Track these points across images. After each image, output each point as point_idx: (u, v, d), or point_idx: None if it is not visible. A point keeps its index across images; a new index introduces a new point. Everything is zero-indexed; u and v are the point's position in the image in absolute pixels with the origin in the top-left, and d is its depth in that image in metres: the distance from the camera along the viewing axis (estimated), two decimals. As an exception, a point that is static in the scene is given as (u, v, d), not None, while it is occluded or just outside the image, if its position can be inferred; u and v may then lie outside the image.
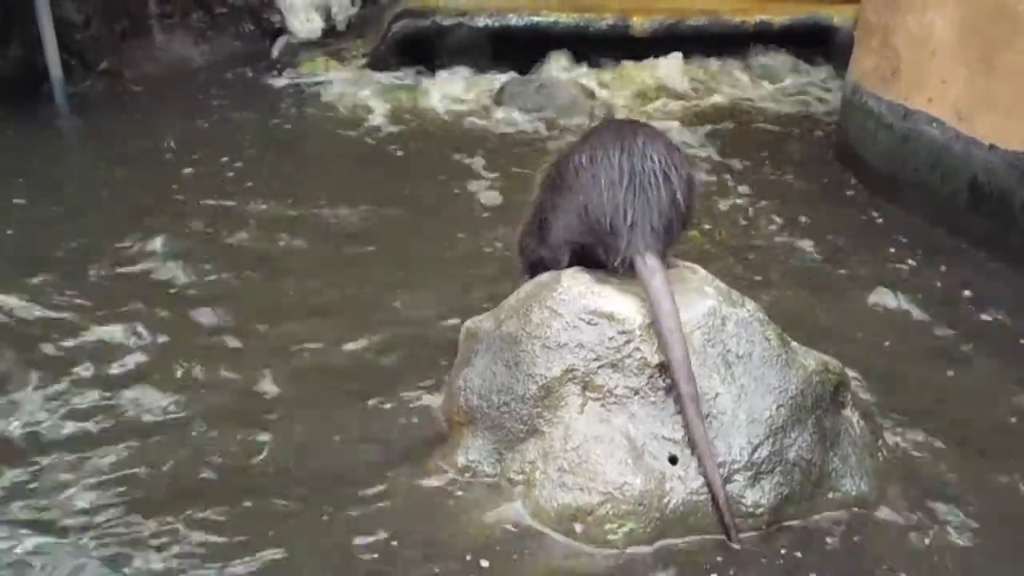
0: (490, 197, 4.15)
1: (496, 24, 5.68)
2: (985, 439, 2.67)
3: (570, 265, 2.52)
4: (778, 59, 5.90)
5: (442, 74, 5.62)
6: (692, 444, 2.25)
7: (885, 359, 3.03)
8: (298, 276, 3.47)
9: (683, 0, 6.03)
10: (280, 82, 5.59)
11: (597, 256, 2.45)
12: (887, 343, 3.11)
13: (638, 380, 2.32)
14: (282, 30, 6.07)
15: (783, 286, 3.45)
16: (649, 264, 2.34)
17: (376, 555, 2.22)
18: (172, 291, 3.33)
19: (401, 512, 2.34)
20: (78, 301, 3.24)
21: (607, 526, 2.23)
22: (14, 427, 2.62)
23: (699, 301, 2.39)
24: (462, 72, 5.63)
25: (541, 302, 2.42)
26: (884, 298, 3.40)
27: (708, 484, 2.23)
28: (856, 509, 2.36)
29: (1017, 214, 3.54)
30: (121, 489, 2.41)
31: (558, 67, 5.69)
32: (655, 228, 2.35)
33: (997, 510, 2.41)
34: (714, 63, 5.86)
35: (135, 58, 5.68)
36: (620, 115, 5.17)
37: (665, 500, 2.24)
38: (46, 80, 5.07)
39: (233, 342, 3.06)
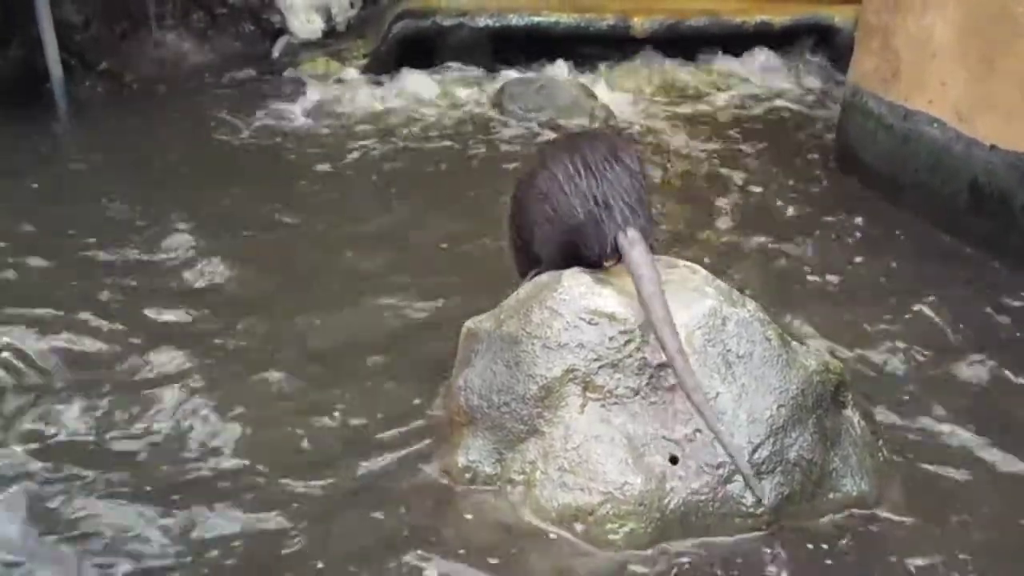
0: (490, 197, 4.15)
1: (497, 24, 5.68)
2: (986, 439, 2.67)
3: (568, 265, 2.52)
4: (778, 60, 5.91)
5: (442, 74, 5.62)
6: (688, 398, 2.21)
7: (885, 359, 3.03)
8: (297, 276, 3.48)
9: (684, 0, 6.03)
10: (280, 83, 5.58)
11: (583, 253, 2.45)
12: (887, 343, 3.11)
13: (639, 380, 2.32)
14: (282, 30, 6.06)
15: (782, 286, 3.45)
16: (630, 235, 2.36)
17: (376, 556, 2.22)
18: (168, 295, 3.32)
19: (401, 513, 2.34)
20: (71, 303, 3.23)
21: (608, 526, 2.23)
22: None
23: (699, 301, 2.39)
24: (463, 72, 5.63)
25: (541, 302, 2.41)
26: (883, 298, 3.40)
27: (719, 442, 2.19)
28: (857, 509, 2.36)
29: (1018, 215, 3.54)
30: (122, 488, 2.41)
31: (559, 68, 5.71)
32: (628, 203, 2.39)
33: (998, 510, 2.41)
34: (714, 64, 5.87)
35: (135, 59, 5.68)
36: (620, 116, 5.17)
37: (666, 500, 2.24)
38: (46, 81, 5.07)
39: (231, 340, 3.05)
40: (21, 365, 2.86)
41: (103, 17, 5.58)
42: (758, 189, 4.30)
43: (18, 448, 2.53)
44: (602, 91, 5.47)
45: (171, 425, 2.65)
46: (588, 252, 2.45)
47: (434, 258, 3.62)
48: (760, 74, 5.80)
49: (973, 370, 2.98)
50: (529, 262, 2.68)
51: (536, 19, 5.70)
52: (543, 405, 2.35)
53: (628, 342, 2.32)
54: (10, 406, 2.69)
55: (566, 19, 5.74)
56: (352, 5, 6.24)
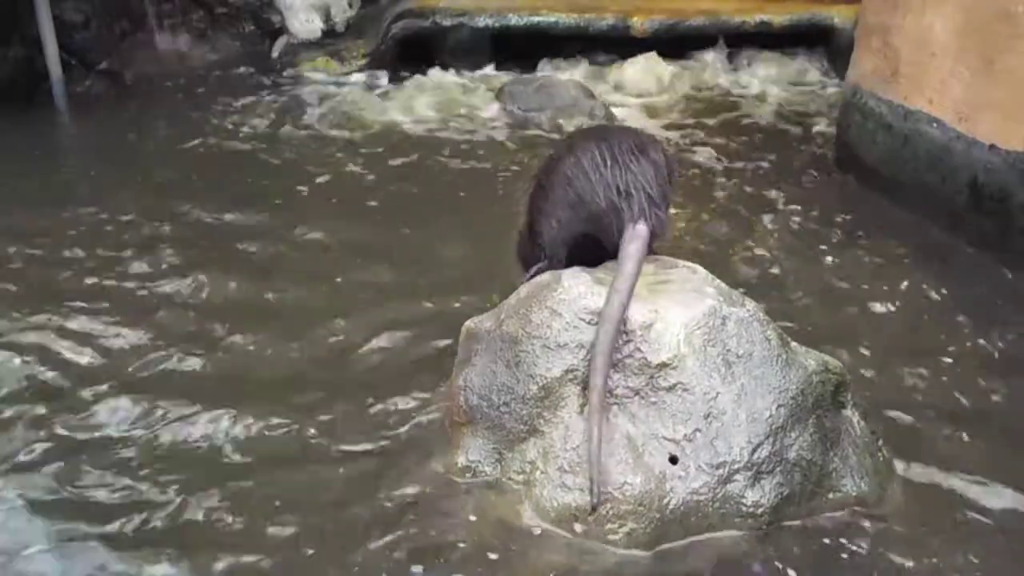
0: (489, 197, 4.15)
1: (496, 24, 5.69)
2: (985, 439, 2.67)
3: (568, 264, 2.53)
4: (778, 59, 5.92)
5: (442, 74, 5.62)
6: (588, 399, 2.25)
7: (885, 359, 3.03)
8: (297, 277, 3.47)
9: (683, 0, 6.04)
10: (280, 83, 5.59)
11: (602, 241, 2.47)
12: (886, 343, 3.11)
13: (638, 380, 2.31)
14: (282, 30, 6.07)
15: (783, 286, 3.45)
16: (637, 229, 2.39)
17: (375, 555, 2.22)
18: (167, 295, 3.31)
19: (401, 512, 2.34)
20: (67, 302, 3.23)
21: (607, 526, 2.23)
22: None
23: (699, 301, 2.39)
24: (462, 72, 5.63)
25: (541, 302, 2.41)
26: (883, 298, 3.40)
27: (590, 460, 2.22)
28: (857, 509, 2.36)
29: (1017, 214, 3.54)
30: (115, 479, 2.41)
31: (559, 68, 5.72)
32: (650, 195, 2.42)
33: (998, 509, 2.41)
34: (713, 63, 5.87)
35: (135, 58, 5.68)
36: (619, 116, 5.18)
37: (665, 500, 2.24)
38: (46, 80, 5.07)
39: (230, 340, 3.05)
40: (21, 362, 2.87)
41: (103, 16, 5.59)
42: (757, 189, 4.30)
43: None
44: (601, 91, 5.48)
45: (168, 426, 2.65)
46: (606, 241, 2.46)
47: (434, 258, 3.62)
48: (759, 74, 5.81)
49: (973, 369, 2.98)
50: (535, 251, 2.68)
51: (536, 19, 5.71)
52: (543, 405, 2.35)
53: (628, 342, 2.32)
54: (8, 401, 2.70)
55: (566, 19, 5.74)
56: (351, 5, 6.24)
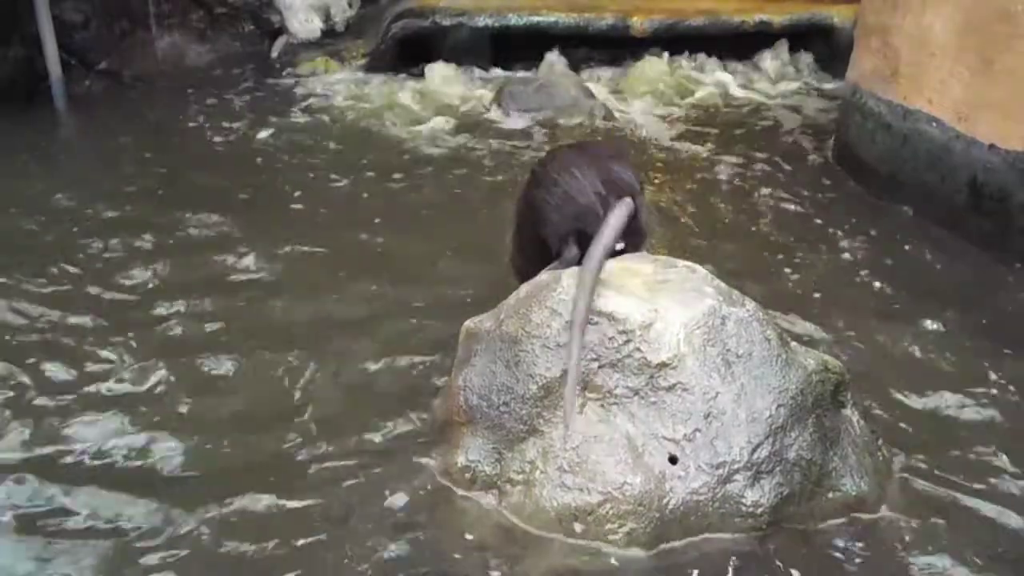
0: (490, 197, 4.15)
1: (496, 24, 5.70)
2: (985, 439, 2.67)
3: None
4: (777, 59, 5.93)
5: (441, 74, 5.62)
6: (568, 358, 2.30)
7: (884, 358, 3.03)
8: (296, 277, 3.47)
9: (683, 0, 6.05)
10: (279, 83, 5.60)
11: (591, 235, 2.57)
12: (886, 342, 3.11)
13: (638, 380, 2.32)
14: (281, 30, 6.08)
15: (782, 285, 3.46)
16: (623, 200, 2.57)
17: (374, 555, 2.22)
18: (165, 294, 3.31)
19: (400, 512, 2.34)
20: (67, 301, 3.23)
21: (607, 526, 2.23)
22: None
23: (699, 300, 2.39)
24: (462, 72, 5.63)
25: (541, 302, 2.42)
26: (883, 297, 3.41)
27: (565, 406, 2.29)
28: (856, 509, 2.36)
29: (1016, 214, 3.55)
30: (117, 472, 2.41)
31: (558, 67, 5.72)
32: (628, 180, 2.66)
33: (997, 510, 2.41)
34: (713, 63, 5.88)
35: (134, 58, 5.69)
36: (618, 116, 5.18)
37: (665, 500, 2.24)
38: (46, 80, 5.08)
39: (230, 339, 3.05)
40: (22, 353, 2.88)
41: (102, 17, 5.59)
42: (758, 189, 4.30)
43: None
44: (601, 90, 5.48)
45: (166, 431, 2.65)
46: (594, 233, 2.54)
47: (433, 257, 3.62)
48: (759, 74, 5.82)
49: (973, 368, 2.99)
50: (539, 260, 2.74)
51: (535, 19, 5.72)
52: (543, 405, 2.35)
53: (627, 342, 2.32)
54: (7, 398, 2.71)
55: (565, 19, 5.75)
56: (351, 5, 6.25)
